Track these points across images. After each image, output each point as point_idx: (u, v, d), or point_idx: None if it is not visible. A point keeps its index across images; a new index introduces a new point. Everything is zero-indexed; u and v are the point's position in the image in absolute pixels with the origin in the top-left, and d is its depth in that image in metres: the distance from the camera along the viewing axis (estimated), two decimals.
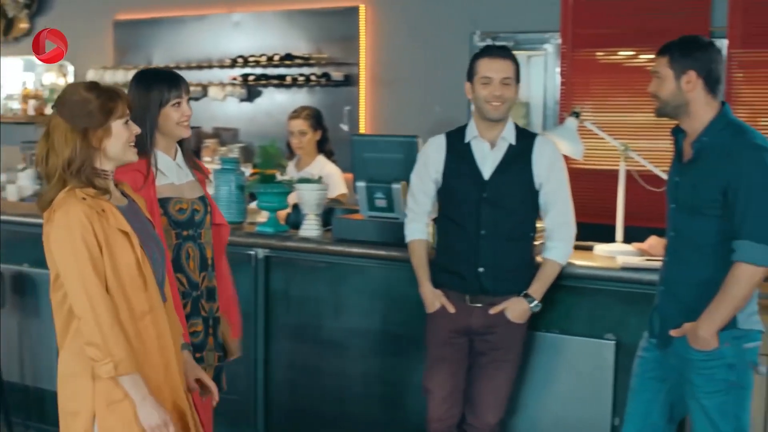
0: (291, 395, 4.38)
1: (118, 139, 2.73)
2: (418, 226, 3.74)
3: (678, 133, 3.23)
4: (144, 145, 3.14)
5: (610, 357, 3.55)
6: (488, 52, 3.59)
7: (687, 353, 3.10)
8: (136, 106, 3.08)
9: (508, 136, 3.57)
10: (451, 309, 3.57)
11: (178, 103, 3.25)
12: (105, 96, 2.70)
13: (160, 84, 3.24)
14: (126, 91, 2.98)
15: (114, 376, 2.63)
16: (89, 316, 2.60)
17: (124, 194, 2.83)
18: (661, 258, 3.34)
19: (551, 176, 3.55)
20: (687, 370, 3.12)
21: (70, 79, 8.47)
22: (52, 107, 2.76)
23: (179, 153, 3.36)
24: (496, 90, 3.50)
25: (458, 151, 3.61)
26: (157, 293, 2.76)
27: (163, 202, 3.23)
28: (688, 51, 3.11)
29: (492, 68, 3.52)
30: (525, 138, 3.59)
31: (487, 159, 3.56)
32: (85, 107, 2.68)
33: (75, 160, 2.66)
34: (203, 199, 3.37)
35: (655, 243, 3.71)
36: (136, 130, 2.79)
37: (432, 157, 3.66)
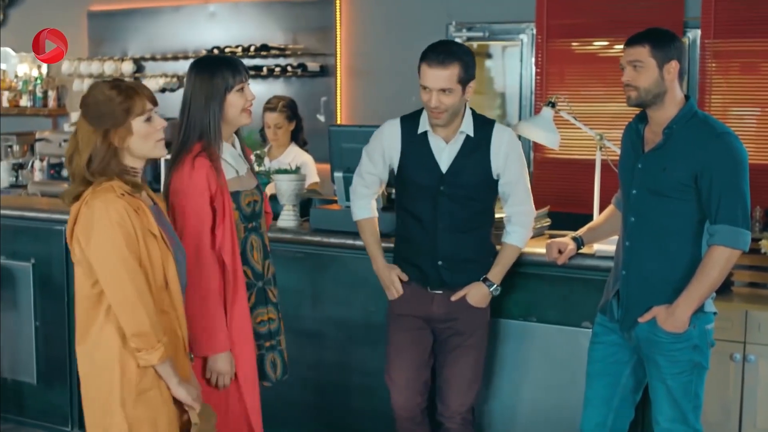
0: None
1: (141, 136, 2.74)
2: (365, 203, 3.67)
3: (639, 123, 3.27)
4: (210, 136, 3.11)
5: (586, 345, 3.56)
6: (427, 57, 3.42)
7: (655, 335, 3.16)
8: (197, 95, 3.09)
9: (465, 128, 3.48)
10: (405, 278, 3.56)
11: (242, 88, 3.19)
12: (123, 95, 2.71)
13: (222, 70, 3.17)
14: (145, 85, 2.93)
15: (159, 362, 2.66)
16: (138, 306, 2.62)
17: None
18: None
19: (508, 166, 3.48)
20: (652, 352, 3.18)
21: (44, 70, 8.41)
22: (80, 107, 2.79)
23: (237, 142, 3.30)
24: (433, 101, 3.39)
25: (414, 141, 3.52)
26: (178, 295, 2.80)
27: (235, 196, 3.18)
28: (669, 41, 3.16)
29: (429, 78, 3.39)
30: (483, 127, 3.49)
31: (444, 151, 3.49)
32: (105, 107, 2.71)
33: (94, 159, 2.70)
34: (258, 187, 3.34)
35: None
36: (161, 124, 2.78)
37: (386, 143, 3.57)
